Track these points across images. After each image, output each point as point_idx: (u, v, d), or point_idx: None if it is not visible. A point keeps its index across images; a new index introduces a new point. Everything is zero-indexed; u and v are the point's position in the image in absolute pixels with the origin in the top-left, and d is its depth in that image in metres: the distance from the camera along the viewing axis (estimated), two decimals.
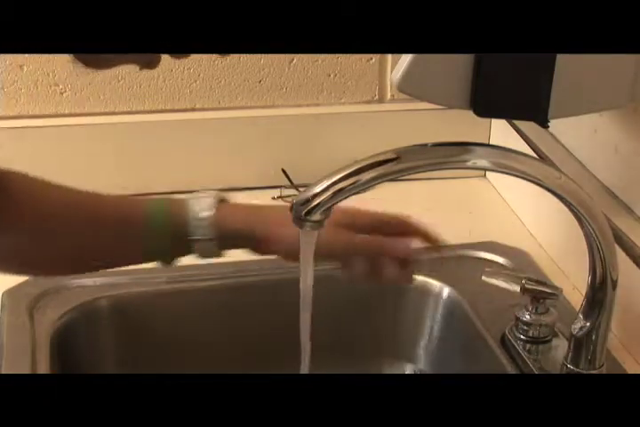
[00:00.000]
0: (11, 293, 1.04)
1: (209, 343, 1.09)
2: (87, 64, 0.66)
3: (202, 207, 0.85)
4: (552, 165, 0.99)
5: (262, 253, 0.87)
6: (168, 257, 0.86)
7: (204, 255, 0.86)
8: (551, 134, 1.15)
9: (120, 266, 0.89)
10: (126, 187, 1.28)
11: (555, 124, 0.93)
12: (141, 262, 0.87)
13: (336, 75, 1.29)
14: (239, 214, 0.87)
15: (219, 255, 0.87)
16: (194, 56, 1.23)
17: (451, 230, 1.20)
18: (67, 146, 1.23)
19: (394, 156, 0.75)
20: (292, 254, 0.81)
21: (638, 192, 1.00)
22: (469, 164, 0.78)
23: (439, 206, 1.28)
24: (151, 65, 0.67)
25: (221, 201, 0.87)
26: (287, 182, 1.28)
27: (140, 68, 0.68)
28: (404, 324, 1.12)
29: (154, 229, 0.84)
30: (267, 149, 1.30)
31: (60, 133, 1.24)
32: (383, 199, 1.24)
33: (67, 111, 1.25)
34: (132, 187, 1.28)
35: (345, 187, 0.75)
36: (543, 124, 0.92)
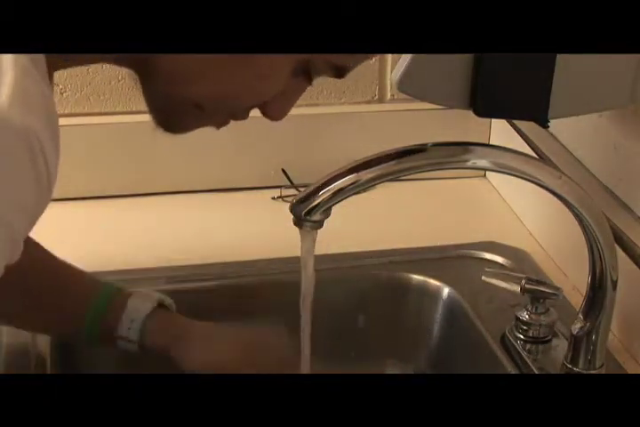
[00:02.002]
0: None
1: None
2: (166, 129, 0.72)
3: (137, 309, 0.89)
4: (552, 165, 0.99)
5: (176, 367, 0.90)
6: (94, 341, 0.91)
7: (123, 349, 0.90)
8: (551, 134, 1.15)
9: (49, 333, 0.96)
10: (126, 187, 1.28)
11: (555, 124, 0.93)
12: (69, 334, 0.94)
13: None
14: (163, 328, 0.90)
15: (137, 352, 0.90)
16: None
17: (451, 230, 1.21)
18: (66, 146, 1.22)
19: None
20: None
21: (638, 192, 1.00)
22: (469, 164, 0.78)
23: (439, 206, 1.28)
24: (222, 125, 0.73)
25: (160, 306, 0.91)
26: (287, 182, 1.28)
27: (217, 128, 0.74)
28: (404, 324, 1.12)
29: (92, 315, 0.89)
30: (267, 149, 1.30)
31: (60, 133, 1.24)
32: (383, 199, 1.24)
33: (67, 111, 1.25)
34: (133, 187, 1.28)
35: (345, 187, 0.75)
36: (543, 124, 0.92)
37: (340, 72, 0.71)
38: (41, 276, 0.89)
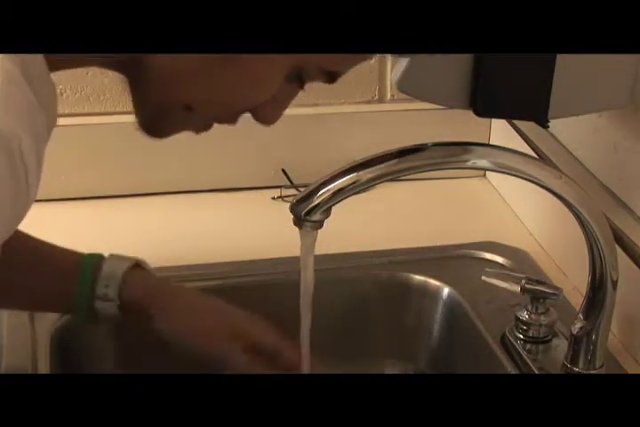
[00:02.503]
0: None
1: None
2: (149, 133, 0.74)
3: (114, 267, 0.89)
4: (552, 165, 0.99)
5: (154, 326, 0.90)
6: (81, 314, 0.90)
7: (103, 314, 0.89)
8: (551, 134, 1.15)
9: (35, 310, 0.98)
10: (126, 187, 1.28)
11: (555, 124, 0.93)
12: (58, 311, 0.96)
13: None
14: (141, 285, 0.90)
15: (118, 317, 0.90)
16: None
17: (451, 230, 1.21)
18: (66, 146, 1.23)
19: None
20: (177, 335, 0.89)
21: (638, 192, 1.00)
22: (469, 164, 0.78)
23: (439, 206, 1.28)
24: (204, 130, 0.74)
25: (137, 266, 0.91)
26: (287, 182, 1.28)
27: (197, 133, 0.74)
28: (404, 324, 1.12)
29: (79, 286, 0.89)
30: (267, 149, 1.30)
31: (60, 133, 1.24)
32: (383, 199, 1.24)
33: (67, 111, 1.25)
34: (133, 187, 1.28)
35: (345, 187, 0.75)
36: (543, 124, 0.92)
37: (331, 77, 0.71)
38: (21, 255, 0.89)
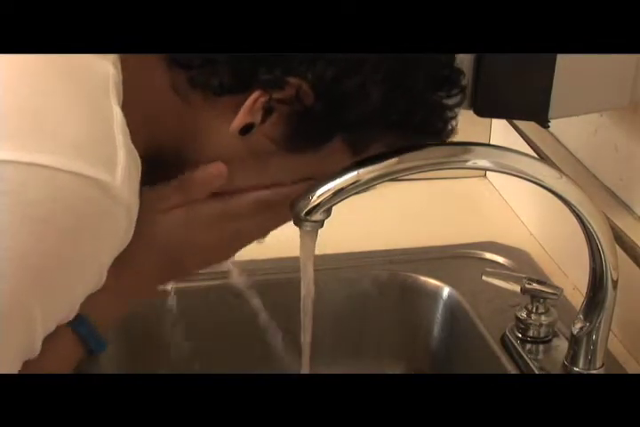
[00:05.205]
0: None
1: (209, 343, 1.09)
2: None
3: None
4: (552, 165, 0.99)
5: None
6: None
7: None
8: (551, 134, 1.15)
9: None
10: None
11: (555, 124, 0.93)
12: None
13: None
14: None
15: None
16: None
17: (451, 230, 1.21)
18: None
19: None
20: None
21: (638, 192, 1.00)
22: (469, 164, 0.78)
23: (439, 206, 1.28)
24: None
25: None
26: None
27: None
28: (404, 324, 1.12)
29: None
30: None
31: None
32: (383, 199, 1.24)
33: None
34: None
35: (345, 187, 0.75)
36: (543, 124, 0.92)
37: None
38: None
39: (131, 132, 0.63)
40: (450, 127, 0.75)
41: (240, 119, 0.69)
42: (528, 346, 0.97)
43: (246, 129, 0.69)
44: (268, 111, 0.69)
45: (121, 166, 0.60)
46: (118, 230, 0.63)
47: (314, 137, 0.71)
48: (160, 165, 0.69)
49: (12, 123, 0.58)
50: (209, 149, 0.71)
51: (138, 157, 0.64)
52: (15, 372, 0.61)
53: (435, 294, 1.09)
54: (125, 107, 0.63)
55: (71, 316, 0.65)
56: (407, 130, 0.73)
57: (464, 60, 0.87)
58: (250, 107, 0.68)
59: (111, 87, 0.63)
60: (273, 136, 0.70)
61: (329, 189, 0.75)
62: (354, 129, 0.71)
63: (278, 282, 1.08)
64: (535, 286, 0.95)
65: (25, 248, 0.57)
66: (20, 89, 0.59)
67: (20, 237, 0.57)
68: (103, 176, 0.59)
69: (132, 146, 0.63)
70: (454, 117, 0.75)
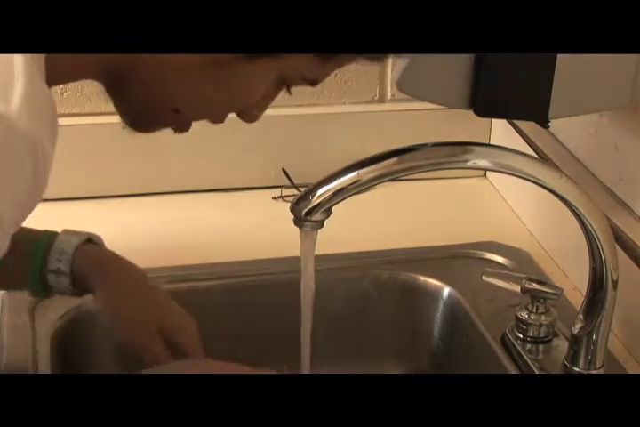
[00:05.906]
0: (11, 293, 1.04)
1: (209, 343, 1.09)
2: (137, 130, 0.75)
3: (67, 241, 0.89)
4: (552, 165, 0.99)
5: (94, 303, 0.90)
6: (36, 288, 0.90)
7: (58, 289, 0.89)
8: (551, 134, 1.15)
9: None
10: (126, 187, 1.28)
11: (555, 124, 0.93)
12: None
13: (336, 75, 1.28)
14: (89, 257, 0.90)
15: (74, 293, 0.90)
16: None
17: (451, 230, 1.21)
18: (66, 146, 1.22)
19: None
20: (108, 316, 0.88)
21: (638, 192, 1.00)
22: (469, 164, 0.78)
23: (439, 206, 1.28)
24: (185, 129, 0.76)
25: (89, 241, 0.91)
26: (287, 182, 1.28)
27: (175, 131, 0.76)
28: (404, 324, 1.12)
29: (31, 260, 0.89)
30: (267, 149, 1.30)
31: (60, 133, 1.24)
32: (383, 199, 1.24)
33: (67, 111, 1.25)
34: (132, 187, 1.28)
35: (345, 187, 0.75)
36: (543, 124, 0.92)
37: (312, 83, 0.74)
38: None
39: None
40: None
41: None
42: (528, 346, 0.97)
43: None
44: None
45: (18, 95, 0.56)
46: (22, 168, 0.57)
47: None
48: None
49: None
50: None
51: (47, 89, 0.60)
52: None
53: (435, 294, 1.09)
54: None
55: None
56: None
57: (464, 60, 0.88)
58: None
59: None
60: None
61: (329, 189, 0.75)
62: None
63: (278, 282, 1.09)
64: (535, 286, 0.95)
65: None
66: None
67: None
68: None
69: (40, 77, 0.59)
70: None
